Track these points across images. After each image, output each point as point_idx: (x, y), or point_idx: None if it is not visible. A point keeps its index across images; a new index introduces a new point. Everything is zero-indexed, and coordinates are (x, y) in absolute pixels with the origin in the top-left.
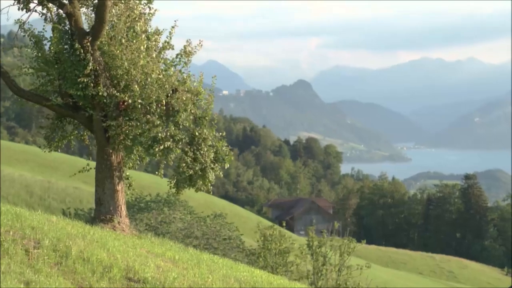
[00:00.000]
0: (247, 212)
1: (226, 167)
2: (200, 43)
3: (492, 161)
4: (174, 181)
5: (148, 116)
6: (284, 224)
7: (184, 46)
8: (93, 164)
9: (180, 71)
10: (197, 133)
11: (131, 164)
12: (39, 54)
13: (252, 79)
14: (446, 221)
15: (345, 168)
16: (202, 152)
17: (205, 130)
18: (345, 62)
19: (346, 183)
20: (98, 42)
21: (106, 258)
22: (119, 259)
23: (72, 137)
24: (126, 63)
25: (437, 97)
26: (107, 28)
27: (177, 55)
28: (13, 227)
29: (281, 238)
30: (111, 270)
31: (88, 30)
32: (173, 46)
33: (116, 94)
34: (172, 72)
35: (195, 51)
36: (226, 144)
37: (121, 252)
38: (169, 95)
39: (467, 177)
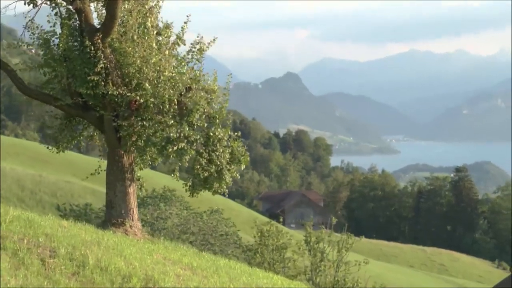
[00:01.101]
0: (238, 205)
1: (242, 168)
2: (213, 39)
3: (481, 153)
4: (190, 184)
5: (161, 116)
6: (281, 220)
7: (196, 42)
8: (104, 165)
9: (192, 68)
10: (211, 133)
11: (142, 165)
12: (47, 51)
13: (240, 71)
14: (437, 214)
15: (334, 161)
16: (217, 153)
17: (219, 130)
18: (333, 54)
19: (336, 175)
20: (109, 39)
21: (124, 267)
22: (138, 267)
23: (81, 137)
24: (138, 61)
25: (426, 89)
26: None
27: (188, 51)
28: (27, 234)
29: (278, 233)
30: (130, 280)
31: (98, 27)
32: (184, 41)
33: (128, 93)
34: (184, 70)
35: (207, 48)
36: (241, 144)
37: (138, 260)
38: (182, 93)
39: (458, 169)
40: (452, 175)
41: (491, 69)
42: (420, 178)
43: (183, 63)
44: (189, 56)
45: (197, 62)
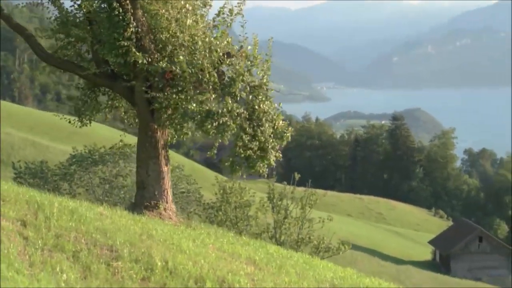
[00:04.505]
0: (178, 156)
1: (283, 145)
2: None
3: (411, 100)
4: (229, 163)
5: (199, 87)
6: (245, 177)
7: (225, 5)
8: (128, 139)
9: (225, 32)
10: (257, 106)
11: (169, 139)
12: (60, 11)
13: None
14: (374, 162)
15: None
16: (262, 128)
17: (265, 102)
18: (263, 2)
19: None
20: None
21: (192, 268)
22: (206, 267)
23: (107, 109)
24: (173, 24)
25: (357, 37)
26: None
27: (219, 12)
28: (80, 231)
29: (241, 191)
30: (205, 284)
31: None
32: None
33: (161, 61)
34: (219, 34)
35: (239, 11)
36: (283, 117)
37: (202, 256)
38: (221, 60)
39: (394, 117)
40: (383, 122)
41: (422, 16)
42: (354, 125)
43: (215, 25)
44: (219, 19)
45: (228, 26)
